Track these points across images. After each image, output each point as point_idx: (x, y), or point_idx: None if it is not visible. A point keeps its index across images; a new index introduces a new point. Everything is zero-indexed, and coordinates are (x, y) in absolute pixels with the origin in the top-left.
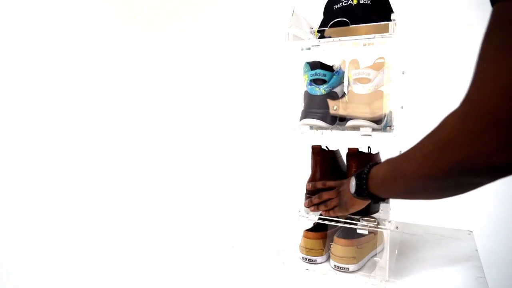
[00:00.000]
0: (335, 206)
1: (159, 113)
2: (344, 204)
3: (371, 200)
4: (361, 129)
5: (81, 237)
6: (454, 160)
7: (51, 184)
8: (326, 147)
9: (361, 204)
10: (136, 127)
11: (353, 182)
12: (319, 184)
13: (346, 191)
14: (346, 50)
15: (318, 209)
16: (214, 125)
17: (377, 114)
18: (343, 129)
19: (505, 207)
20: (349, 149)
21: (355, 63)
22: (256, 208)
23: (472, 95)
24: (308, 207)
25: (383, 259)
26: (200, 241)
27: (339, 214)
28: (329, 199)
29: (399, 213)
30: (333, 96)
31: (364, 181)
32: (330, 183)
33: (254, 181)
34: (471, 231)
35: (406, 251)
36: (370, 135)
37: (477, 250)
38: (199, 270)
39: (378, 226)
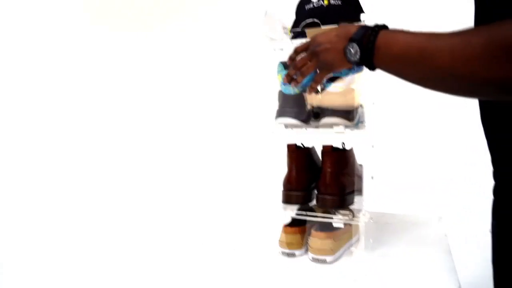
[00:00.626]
0: (316, 69)
1: (135, 114)
2: (328, 65)
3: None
4: (334, 127)
5: (80, 237)
6: None
7: (49, 184)
8: (302, 144)
9: (349, 65)
10: (119, 124)
11: (352, 48)
12: (292, 55)
13: (332, 51)
14: None
15: (298, 81)
16: (191, 125)
17: (349, 111)
18: (317, 127)
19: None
20: (323, 146)
21: None
22: (235, 206)
23: None
24: (289, 83)
25: (359, 249)
26: (175, 237)
27: (324, 76)
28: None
29: (373, 203)
30: (307, 95)
31: (370, 51)
32: (301, 47)
33: (232, 179)
34: (441, 217)
35: (380, 241)
36: (343, 132)
37: (446, 235)
38: (176, 262)
39: (353, 219)
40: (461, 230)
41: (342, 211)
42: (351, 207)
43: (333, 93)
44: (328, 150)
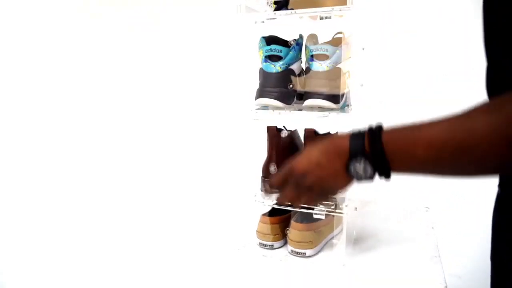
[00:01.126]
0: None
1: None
2: (329, 192)
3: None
4: (318, 109)
5: (78, 237)
6: None
7: (46, 183)
8: (284, 127)
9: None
10: (103, 109)
11: (359, 164)
12: (267, 188)
13: (328, 177)
14: (304, 24)
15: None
16: (161, 106)
17: (335, 93)
18: (300, 109)
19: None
20: (306, 130)
21: (313, 38)
22: (210, 193)
23: None
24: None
25: (341, 242)
26: (150, 229)
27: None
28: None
29: (357, 190)
30: (290, 74)
31: (385, 163)
32: (277, 180)
33: (208, 165)
34: (428, 208)
35: (364, 232)
36: (328, 114)
37: (433, 228)
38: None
39: (336, 211)
40: (449, 221)
41: (323, 202)
42: (334, 196)
43: (318, 73)
44: (311, 134)
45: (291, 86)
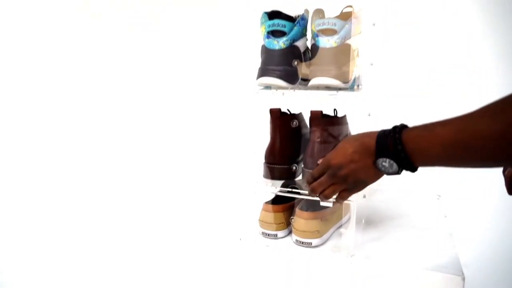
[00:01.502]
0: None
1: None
2: (362, 184)
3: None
4: (325, 89)
5: (78, 234)
6: None
7: (46, 183)
8: (288, 110)
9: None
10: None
11: (385, 162)
12: (308, 178)
13: (361, 170)
14: None
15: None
16: (162, 99)
17: (344, 71)
18: (305, 89)
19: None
20: (311, 112)
21: (319, 13)
22: (210, 181)
23: None
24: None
25: (349, 231)
26: (148, 217)
27: (353, 194)
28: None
29: None
30: (294, 51)
31: (406, 160)
32: (317, 171)
33: (208, 151)
34: (439, 195)
35: (373, 221)
36: (336, 94)
37: (446, 217)
38: (146, 247)
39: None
40: (461, 209)
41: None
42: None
43: (325, 49)
44: (317, 116)
45: (295, 63)
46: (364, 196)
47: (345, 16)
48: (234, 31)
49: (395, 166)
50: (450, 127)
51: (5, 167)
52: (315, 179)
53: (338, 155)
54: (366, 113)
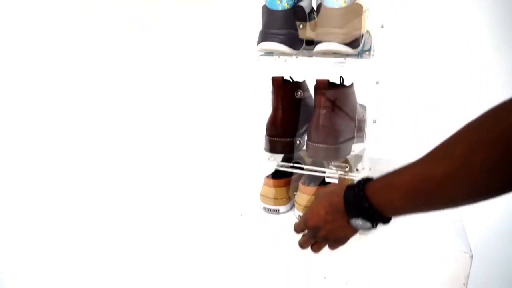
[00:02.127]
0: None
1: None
2: (342, 240)
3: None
4: (332, 55)
5: (78, 235)
6: None
7: (45, 183)
8: (290, 77)
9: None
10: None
11: (357, 221)
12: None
13: (338, 229)
14: None
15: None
16: (162, 90)
17: (353, 35)
18: (310, 55)
19: None
20: (317, 81)
21: None
22: (209, 153)
23: None
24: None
25: None
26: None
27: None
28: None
29: (371, 147)
30: (299, 12)
31: (376, 216)
32: (298, 227)
33: (205, 120)
34: None
35: None
36: (344, 61)
37: None
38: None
39: (350, 174)
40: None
41: (336, 164)
42: (348, 157)
43: (333, 10)
44: (323, 85)
45: (301, 26)
46: (370, 169)
47: None
48: (234, 21)
49: (368, 223)
50: (405, 176)
51: (5, 167)
52: (302, 230)
53: (313, 217)
54: (374, 81)
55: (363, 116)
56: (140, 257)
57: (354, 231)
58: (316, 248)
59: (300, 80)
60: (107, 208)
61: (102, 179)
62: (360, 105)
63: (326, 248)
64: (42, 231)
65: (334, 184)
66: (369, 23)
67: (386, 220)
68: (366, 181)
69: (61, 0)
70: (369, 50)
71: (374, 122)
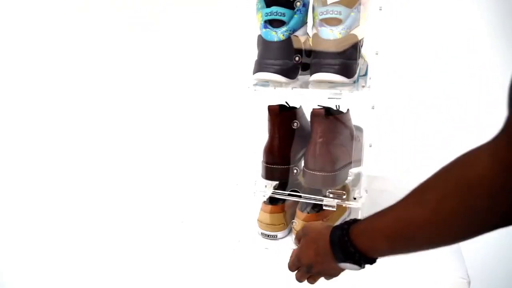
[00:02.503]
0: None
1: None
2: (334, 275)
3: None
4: (329, 84)
5: (78, 234)
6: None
7: (45, 183)
8: (286, 102)
9: None
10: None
11: (345, 264)
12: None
13: (329, 269)
14: None
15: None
16: (161, 98)
17: (348, 65)
18: (305, 85)
19: None
20: (313, 110)
21: None
22: (207, 179)
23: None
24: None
25: None
26: (146, 216)
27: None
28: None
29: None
30: (294, 42)
31: (363, 259)
32: (292, 265)
33: (203, 149)
34: None
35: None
36: (340, 93)
37: None
38: (144, 247)
39: (347, 202)
40: None
41: (333, 191)
42: (347, 181)
43: (329, 41)
44: (319, 115)
45: (297, 58)
46: (366, 191)
47: (350, 2)
48: (233, 27)
49: (355, 266)
50: (386, 220)
51: (5, 167)
52: (296, 268)
53: (305, 255)
54: (370, 106)
55: (359, 140)
56: (136, 281)
57: (342, 270)
58: (312, 280)
59: (297, 105)
60: (102, 213)
61: (99, 181)
62: (357, 127)
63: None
64: (41, 231)
65: (320, 224)
66: (364, 49)
67: (372, 261)
68: (350, 224)
69: (61, 0)
70: (365, 75)
71: (370, 146)
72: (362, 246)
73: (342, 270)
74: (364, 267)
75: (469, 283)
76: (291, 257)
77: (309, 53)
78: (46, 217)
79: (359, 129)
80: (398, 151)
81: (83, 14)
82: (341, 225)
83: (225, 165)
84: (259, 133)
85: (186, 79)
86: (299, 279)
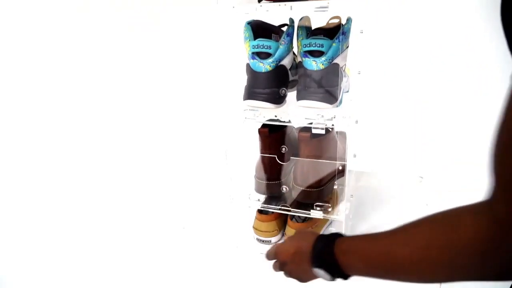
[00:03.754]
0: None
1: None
2: (304, 280)
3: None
4: (313, 123)
5: (78, 237)
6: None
7: (45, 183)
8: (275, 115)
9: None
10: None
11: (319, 271)
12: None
13: (301, 271)
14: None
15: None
16: (159, 106)
17: (331, 92)
18: (291, 110)
19: (455, 152)
20: (299, 133)
21: (306, 21)
22: (206, 191)
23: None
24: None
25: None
26: (147, 224)
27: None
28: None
29: (353, 161)
30: (281, 71)
31: (335, 268)
32: (270, 255)
33: (199, 164)
34: (422, 177)
35: (360, 214)
36: (323, 133)
37: (427, 205)
38: (145, 255)
39: (331, 216)
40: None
41: (320, 204)
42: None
43: (312, 72)
44: (305, 139)
45: (283, 92)
46: (351, 196)
47: (332, 30)
48: (233, 32)
49: (329, 276)
50: (373, 249)
51: (5, 167)
52: (271, 259)
53: (284, 252)
54: (353, 120)
55: (344, 150)
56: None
57: (314, 276)
58: (286, 275)
59: (286, 120)
60: (100, 228)
61: (97, 181)
62: (340, 133)
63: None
64: (42, 231)
65: (310, 231)
66: (348, 64)
67: (345, 276)
68: (336, 237)
69: (61, 0)
70: (348, 91)
71: (355, 157)
72: (342, 261)
73: (311, 278)
74: (335, 280)
75: None
76: (271, 247)
77: (296, 71)
78: (45, 224)
79: (343, 135)
80: (385, 147)
81: (83, 14)
82: (329, 235)
83: (220, 180)
84: (251, 149)
85: (187, 89)
86: (274, 268)
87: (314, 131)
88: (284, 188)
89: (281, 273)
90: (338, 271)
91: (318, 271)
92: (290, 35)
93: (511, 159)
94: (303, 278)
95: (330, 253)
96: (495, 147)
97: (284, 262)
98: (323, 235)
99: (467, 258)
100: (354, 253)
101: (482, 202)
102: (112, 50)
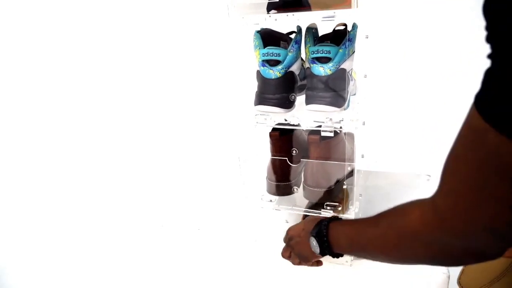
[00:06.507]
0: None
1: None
2: (302, 256)
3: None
4: (322, 126)
5: (78, 236)
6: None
7: (45, 183)
8: (285, 119)
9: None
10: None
11: (313, 242)
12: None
13: (301, 244)
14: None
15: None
16: (162, 109)
17: (339, 96)
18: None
19: None
20: (308, 136)
21: (312, 28)
22: (219, 196)
23: (441, 203)
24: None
25: None
26: (163, 224)
27: (304, 265)
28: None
29: (361, 161)
30: (290, 77)
31: (327, 244)
32: (285, 237)
33: (215, 169)
34: (429, 176)
35: (369, 212)
36: (332, 136)
37: None
38: (164, 253)
39: (341, 214)
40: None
41: (330, 203)
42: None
43: (320, 77)
44: (315, 141)
45: (292, 97)
46: (360, 195)
47: (338, 37)
48: (244, 41)
49: (318, 247)
50: (353, 227)
51: (5, 167)
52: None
53: (294, 229)
54: (360, 122)
55: (352, 151)
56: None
57: (311, 253)
58: (291, 261)
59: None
60: (108, 226)
61: (96, 182)
62: (348, 134)
63: (322, 273)
64: (42, 231)
65: (318, 217)
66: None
67: (332, 253)
68: (332, 220)
69: (61, 0)
70: (355, 94)
71: (363, 157)
72: (331, 239)
73: (309, 254)
74: (322, 255)
75: (448, 277)
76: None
77: (304, 77)
78: (41, 221)
79: (351, 136)
80: (393, 147)
81: (83, 14)
82: (329, 218)
83: (235, 181)
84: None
85: (201, 97)
86: (283, 254)
87: (323, 133)
88: (295, 189)
89: (296, 269)
90: (326, 245)
91: (312, 240)
92: (298, 42)
93: (460, 173)
94: (303, 254)
95: (324, 231)
96: (450, 157)
97: (291, 237)
98: (325, 218)
99: (412, 241)
100: (340, 233)
101: (428, 199)
102: (129, 61)
